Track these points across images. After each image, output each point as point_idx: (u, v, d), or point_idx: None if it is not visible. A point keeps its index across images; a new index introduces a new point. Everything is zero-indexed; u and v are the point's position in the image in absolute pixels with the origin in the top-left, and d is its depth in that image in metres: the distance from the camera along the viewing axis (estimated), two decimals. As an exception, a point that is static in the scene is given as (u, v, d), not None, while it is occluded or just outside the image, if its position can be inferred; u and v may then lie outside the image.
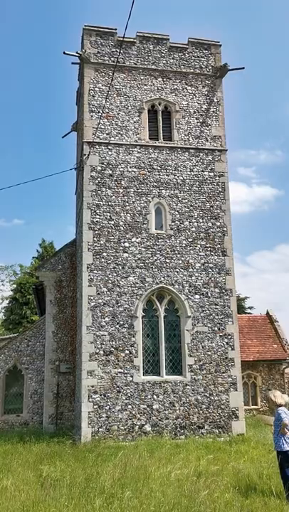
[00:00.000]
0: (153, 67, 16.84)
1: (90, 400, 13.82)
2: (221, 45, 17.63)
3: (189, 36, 17.33)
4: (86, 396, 13.81)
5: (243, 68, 17.41)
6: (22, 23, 62.37)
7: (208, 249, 15.71)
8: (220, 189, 16.32)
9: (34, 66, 66.25)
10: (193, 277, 15.35)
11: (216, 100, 17.10)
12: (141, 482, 8.35)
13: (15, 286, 35.15)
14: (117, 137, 16.02)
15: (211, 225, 15.95)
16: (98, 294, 14.65)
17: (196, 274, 15.40)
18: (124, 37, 13.56)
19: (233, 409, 14.60)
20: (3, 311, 36.87)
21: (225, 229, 16.00)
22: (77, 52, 16.18)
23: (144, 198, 15.71)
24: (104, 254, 14.99)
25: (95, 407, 13.80)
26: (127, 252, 15.14)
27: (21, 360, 17.79)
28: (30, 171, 64.74)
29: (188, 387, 14.49)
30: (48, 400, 16.80)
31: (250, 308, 36.37)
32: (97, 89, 16.22)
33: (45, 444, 12.71)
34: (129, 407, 13.99)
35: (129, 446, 12.38)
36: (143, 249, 15.27)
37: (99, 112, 15.92)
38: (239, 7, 62.35)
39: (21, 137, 69.19)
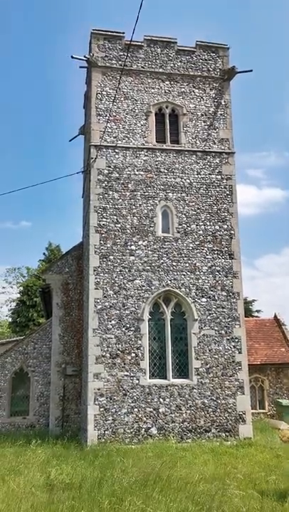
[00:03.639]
0: (160, 70, 16.88)
1: (96, 402, 13.81)
2: (228, 48, 17.63)
3: (197, 39, 17.37)
4: (92, 399, 13.81)
5: (251, 71, 17.39)
6: (30, 24, 62.80)
7: (216, 252, 15.68)
8: (227, 192, 16.29)
9: (53, 71, 66.61)
10: (200, 280, 15.32)
11: (223, 103, 17.09)
12: (148, 486, 8.32)
13: (22, 288, 35.27)
14: (124, 140, 16.06)
15: (218, 227, 15.92)
16: (105, 296, 14.65)
17: (203, 277, 15.36)
18: (131, 40, 13.62)
19: (240, 412, 14.52)
20: (10, 313, 37.02)
21: (232, 232, 15.96)
22: (84, 56, 16.26)
23: (150, 201, 15.72)
24: (111, 257, 15.01)
25: (101, 409, 13.79)
26: (133, 255, 15.14)
27: (28, 362, 17.83)
28: (39, 173, 65.02)
29: (194, 390, 14.43)
30: (54, 402, 16.80)
31: (257, 311, 36.23)
32: (104, 92, 16.27)
33: (51, 447, 12.71)
34: (136, 410, 13.96)
35: (135, 450, 12.35)
36: (150, 252, 15.26)
37: (106, 116, 15.97)
38: (247, 6, 62.39)
39: (31, 138, 69.53)
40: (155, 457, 11.32)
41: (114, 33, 16.74)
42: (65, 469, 9.76)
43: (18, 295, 35.68)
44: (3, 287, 39.80)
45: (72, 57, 16.05)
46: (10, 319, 37.11)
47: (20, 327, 33.42)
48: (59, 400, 16.81)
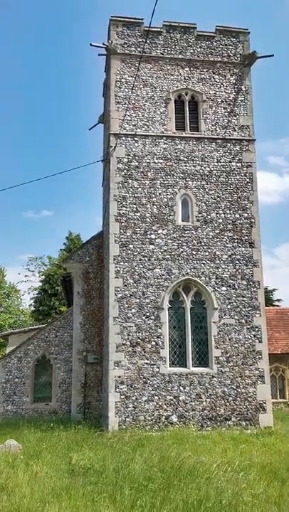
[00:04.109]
0: (180, 56, 16.65)
1: (117, 390, 13.97)
2: (249, 33, 17.26)
3: (217, 24, 17.04)
4: (113, 386, 13.98)
5: (273, 55, 17.05)
6: (47, 13, 62.63)
7: (236, 240, 15.54)
8: (247, 180, 16.08)
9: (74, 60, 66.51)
10: (220, 269, 15.24)
11: (244, 89, 16.80)
12: (169, 473, 8.41)
13: (44, 277, 35.73)
14: (143, 128, 15.96)
15: (238, 216, 15.76)
16: (125, 285, 14.72)
17: (223, 266, 15.28)
18: (150, 26, 13.46)
19: (261, 401, 14.50)
20: (32, 302, 37.58)
21: (253, 220, 15.79)
22: (103, 44, 16.15)
23: (170, 190, 15.64)
24: (131, 246, 15.04)
25: (122, 397, 13.95)
26: (153, 244, 15.14)
27: (50, 350, 18.13)
28: (60, 162, 65.34)
29: (214, 379, 14.46)
30: (76, 389, 17.08)
31: (278, 300, 35.90)
32: (123, 80, 16.17)
33: (73, 433, 12.94)
34: (156, 397, 14.08)
35: (155, 437, 12.48)
36: (169, 241, 15.23)
37: (125, 104, 15.88)
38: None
39: (52, 127, 69.83)
40: (175, 444, 11.41)
41: (133, 20, 16.55)
42: (87, 455, 9.95)
43: (40, 284, 36.17)
44: (26, 276, 40.41)
45: (91, 44, 15.99)
46: (33, 308, 37.68)
47: (42, 315, 33.94)
48: (80, 387, 17.07)
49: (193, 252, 15.26)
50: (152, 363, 14.32)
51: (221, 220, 15.63)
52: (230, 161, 16.15)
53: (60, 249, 37.81)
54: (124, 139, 15.77)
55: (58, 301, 33.16)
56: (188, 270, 15.10)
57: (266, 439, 12.73)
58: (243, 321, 14.98)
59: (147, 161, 15.74)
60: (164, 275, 14.96)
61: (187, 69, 16.64)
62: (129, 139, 15.81)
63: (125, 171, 15.57)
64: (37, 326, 23.57)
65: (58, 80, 67.12)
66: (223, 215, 15.70)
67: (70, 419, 16.06)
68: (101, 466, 9.01)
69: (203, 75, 16.69)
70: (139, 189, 15.49)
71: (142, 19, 16.48)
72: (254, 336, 14.95)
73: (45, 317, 33.04)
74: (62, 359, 18.03)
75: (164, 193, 15.59)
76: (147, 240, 15.16)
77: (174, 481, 7.91)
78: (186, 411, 14.11)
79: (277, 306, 32.62)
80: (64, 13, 62.76)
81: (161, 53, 16.59)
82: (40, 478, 8.10)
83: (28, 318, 40.77)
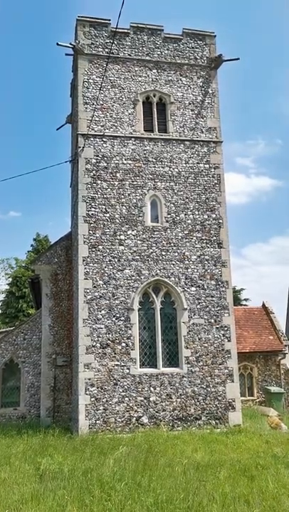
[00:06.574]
0: (147, 58, 16.70)
1: (87, 392, 13.85)
2: (215, 36, 17.50)
3: (184, 27, 17.19)
4: (83, 389, 13.85)
5: (238, 59, 17.31)
6: (17, 13, 61.62)
7: (204, 241, 15.70)
8: (215, 181, 16.29)
9: (32, 57, 65.58)
10: (189, 269, 15.36)
11: (211, 91, 17.01)
12: (139, 474, 8.39)
13: (11, 279, 35.08)
14: (111, 129, 15.92)
15: (206, 217, 15.93)
16: (94, 287, 14.63)
17: (192, 267, 15.40)
18: (116, 27, 13.44)
19: (230, 400, 14.68)
20: (-1, 304, 36.81)
21: (221, 221, 15.99)
22: (70, 44, 16.02)
23: (139, 191, 15.66)
24: (100, 247, 14.96)
25: (92, 399, 13.84)
26: (122, 245, 15.11)
27: (18, 353, 17.78)
28: (28, 162, 64.33)
29: (184, 379, 14.54)
30: (45, 393, 16.82)
31: (246, 300, 36.57)
32: (91, 80, 16.08)
33: (42, 437, 12.74)
34: (126, 399, 14.04)
35: (126, 439, 12.43)
36: (139, 242, 15.24)
37: (93, 104, 15.80)
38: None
39: (19, 127, 68.69)
40: (146, 445, 11.41)
41: (100, 20, 16.49)
42: (56, 459, 9.81)
43: (7, 286, 35.50)
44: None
45: (57, 44, 15.84)
46: (-1, 311, 36.94)
47: (10, 318, 33.30)
48: (50, 390, 16.83)
49: (163, 253, 15.32)
50: (122, 364, 14.27)
51: (189, 221, 15.76)
52: (198, 163, 16.31)
53: (28, 251, 37.25)
54: (92, 139, 15.68)
55: (26, 304, 32.63)
56: (158, 271, 15.15)
57: (236, 437, 12.89)
58: (212, 320, 15.14)
59: (116, 161, 15.70)
60: (133, 276, 14.94)
61: (155, 71, 16.71)
62: (97, 139, 15.73)
63: (94, 171, 15.48)
64: (4, 330, 23.09)
65: (24, 80, 66.10)
66: (191, 215, 15.83)
67: (40, 424, 15.79)
68: (70, 470, 8.90)
69: (170, 77, 16.80)
70: (108, 190, 15.44)
71: (109, 20, 16.46)
72: (223, 335, 15.13)
73: (13, 320, 32.44)
74: (31, 362, 17.72)
75: (133, 194, 15.59)
76: (117, 240, 15.11)
77: (144, 483, 7.89)
78: (156, 412, 14.13)
79: (245, 305, 33.17)
80: (30, 11, 61.89)
81: (129, 54, 16.60)
82: (8, 485, 7.93)
83: (-5, 321, 39.89)
